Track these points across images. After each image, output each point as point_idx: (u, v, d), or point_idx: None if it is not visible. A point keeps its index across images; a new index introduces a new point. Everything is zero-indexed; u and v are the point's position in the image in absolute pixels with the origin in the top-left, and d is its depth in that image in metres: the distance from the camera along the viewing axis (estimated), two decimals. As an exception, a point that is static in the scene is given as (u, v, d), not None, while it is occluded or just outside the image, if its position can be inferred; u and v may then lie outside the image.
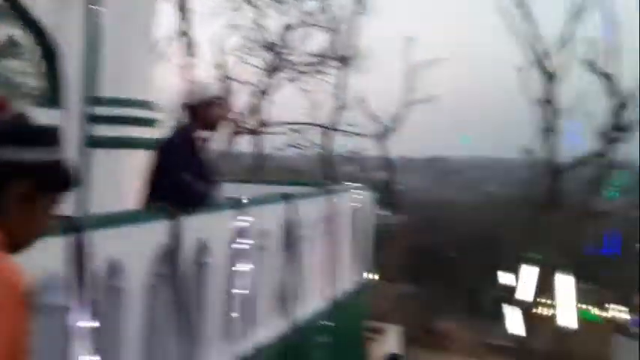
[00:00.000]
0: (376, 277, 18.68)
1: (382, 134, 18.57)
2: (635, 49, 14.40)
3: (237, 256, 3.64)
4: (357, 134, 18.24)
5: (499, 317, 20.16)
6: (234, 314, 3.66)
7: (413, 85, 18.57)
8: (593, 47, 14.38)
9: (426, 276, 30.36)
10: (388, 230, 22.10)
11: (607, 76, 14.24)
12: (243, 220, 3.66)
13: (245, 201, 3.75)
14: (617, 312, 30.36)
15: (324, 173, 18.32)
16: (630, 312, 34.73)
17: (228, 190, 5.43)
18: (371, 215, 6.65)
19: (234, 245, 3.61)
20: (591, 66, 14.35)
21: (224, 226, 3.56)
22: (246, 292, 3.70)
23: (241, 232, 3.64)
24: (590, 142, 14.92)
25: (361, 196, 6.24)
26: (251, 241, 3.79)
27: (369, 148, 19.86)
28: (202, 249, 3.30)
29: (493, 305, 25.71)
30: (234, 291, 3.65)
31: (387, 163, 19.43)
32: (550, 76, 14.42)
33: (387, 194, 19.47)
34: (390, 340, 9.04)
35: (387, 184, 19.51)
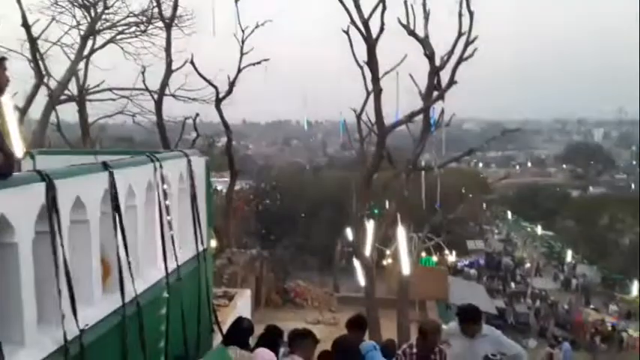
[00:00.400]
0: (225, 243, 18.74)
1: (219, 99, 18.10)
2: (445, 14, 15.54)
3: (51, 232, 3.34)
4: (193, 99, 17.66)
5: (349, 271, 21.26)
6: (54, 296, 3.37)
7: (245, 48, 18.27)
8: (409, 11, 15.23)
9: (278, 238, 31.17)
10: (234, 196, 22.11)
11: (422, 40, 15.23)
12: (55, 194, 3.34)
13: (59, 172, 3.43)
14: (451, 257, 33.82)
15: (158, 141, 17.53)
16: (461, 256, 38.92)
17: (43, 162, 4.98)
18: (207, 182, 6.52)
19: (48, 221, 3.31)
20: (407, 29, 15.21)
21: (31, 202, 3.23)
22: (67, 270, 3.41)
23: (54, 207, 3.34)
24: (413, 101, 15.93)
25: (195, 163, 6.06)
26: (67, 216, 3.51)
27: (207, 114, 19.34)
28: (3, 228, 2.97)
29: (343, 260, 27.17)
30: (52, 271, 3.36)
31: (226, 129, 19.04)
32: (370, 40, 15.04)
33: (229, 160, 19.23)
34: (240, 304, 9.11)
35: (228, 149, 19.20)
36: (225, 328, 6.28)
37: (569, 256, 46.04)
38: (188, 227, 5.94)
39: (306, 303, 20.49)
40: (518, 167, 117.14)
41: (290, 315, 18.23)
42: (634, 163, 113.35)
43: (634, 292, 37.45)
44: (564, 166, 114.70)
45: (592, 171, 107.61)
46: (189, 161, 5.95)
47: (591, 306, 33.95)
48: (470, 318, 5.73)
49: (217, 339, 6.24)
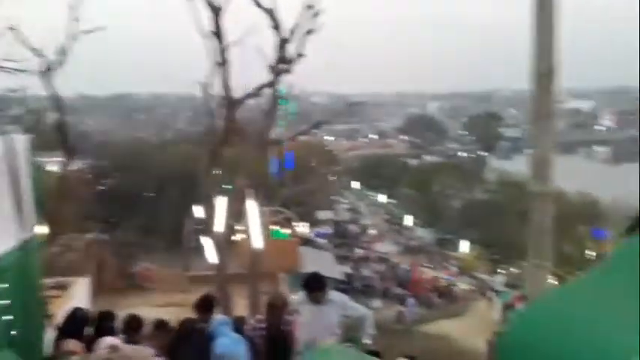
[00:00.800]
0: (60, 229, 17.30)
1: (47, 70, 16.44)
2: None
3: None
4: (17, 70, 15.84)
5: (201, 250, 20.80)
6: None
7: (78, 15, 16.71)
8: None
9: (123, 220, 29.51)
10: (70, 177, 20.45)
11: (268, 12, 15.06)
12: None
13: None
14: (302, 228, 34.71)
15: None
16: (312, 227, 40.16)
17: None
18: (33, 162, 5.86)
19: None
20: (254, 0, 14.96)
21: None
22: None
23: None
24: (260, 74, 15.77)
25: (16, 141, 5.39)
26: None
27: (36, 86, 17.52)
28: None
29: (193, 239, 26.53)
30: None
31: (58, 103, 17.35)
32: (216, 9, 14.58)
33: (62, 137, 17.58)
34: (78, 293, 8.46)
35: (60, 125, 17.52)
36: (59, 320, 5.82)
37: (408, 221, 49.63)
38: (8, 213, 5.29)
39: (154, 286, 19.77)
40: (363, 139, 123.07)
41: (137, 300, 17.41)
42: (463, 132, 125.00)
43: (463, 249, 41.63)
44: (404, 137, 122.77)
45: (427, 141, 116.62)
46: (8, 139, 5.28)
47: (427, 265, 37.10)
48: (314, 286, 5.96)
49: (50, 333, 5.72)
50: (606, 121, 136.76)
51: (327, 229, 42.50)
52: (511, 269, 33.69)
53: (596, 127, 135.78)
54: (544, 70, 2.50)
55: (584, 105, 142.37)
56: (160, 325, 5.72)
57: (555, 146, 2.68)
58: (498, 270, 35.50)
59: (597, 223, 40.12)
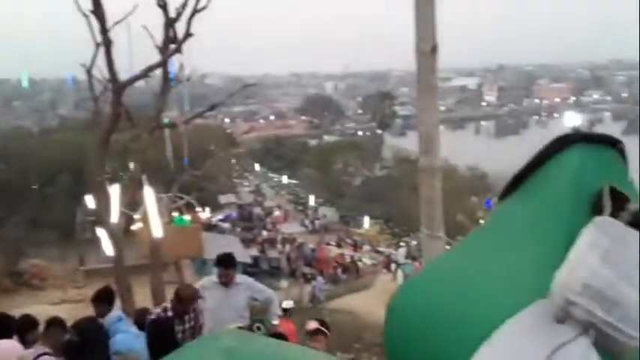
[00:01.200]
0: None
1: None
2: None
3: None
4: None
5: (96, 242, 19.84)
6: None
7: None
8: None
9: (6, 215, 27.35)
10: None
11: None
12: None
13: None
14: (204, 214, 34.11)
15: None
16: (215, 212, 39.59)
17: None
18: None
19: None
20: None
21: None
22: None
23: None
24: (149, 55, 15.06)
25: None
26: None
27: None
28: None
29: (86, 231, 25.24)
30: None
31: None
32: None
33: None
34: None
35: None
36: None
37: (311, 200, 50.23)
38: None
39: (46, 283, 18.65)
40: (262, 121, 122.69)
41: (28, 299, 16.36)
42: (359, 112, 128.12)
43: (365, 225, 42.91)
44: (303, 117, 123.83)
45: (326, 121, 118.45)
46: None
47: (332, 242, 37.85)
48: (228, 264, 6.10)
49: None
50: (490, 97, 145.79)
51: (231, 213, 42.09)
52: (412, 242, 35.18)
53: (482, 104, 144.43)
54: (426, 49, 2.56)
55: (470, 82, 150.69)
56: (53, 322, 5.38)
57: (440, 122, 2.77)
58: (400, 243, 36.94)
59: (487, 195, 42.88)
